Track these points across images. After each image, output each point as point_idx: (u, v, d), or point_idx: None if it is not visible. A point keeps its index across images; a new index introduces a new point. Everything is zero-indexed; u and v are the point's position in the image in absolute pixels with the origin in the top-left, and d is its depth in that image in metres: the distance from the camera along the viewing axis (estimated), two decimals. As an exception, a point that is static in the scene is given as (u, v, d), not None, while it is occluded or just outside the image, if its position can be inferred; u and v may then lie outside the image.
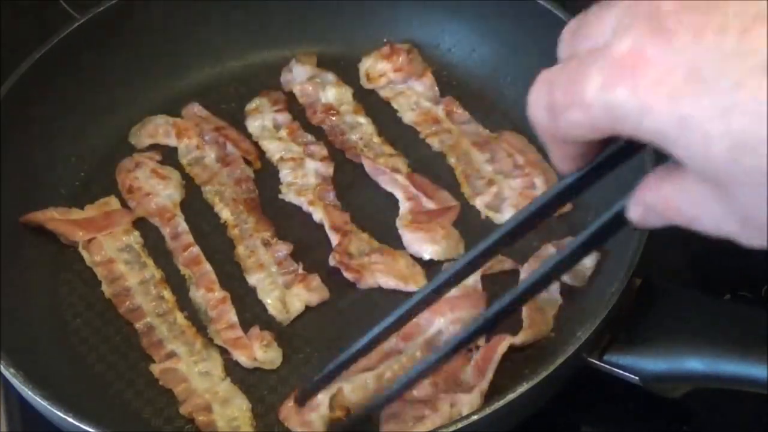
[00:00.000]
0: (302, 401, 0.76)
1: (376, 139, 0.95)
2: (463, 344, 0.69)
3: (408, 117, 0.98)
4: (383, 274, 0.85)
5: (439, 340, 0.79)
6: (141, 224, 0.91)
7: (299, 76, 1.00)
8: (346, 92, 0.99)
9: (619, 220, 0.56)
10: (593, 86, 0.48)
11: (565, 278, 0.83)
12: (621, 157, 0.56)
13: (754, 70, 0.43)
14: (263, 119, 0.98)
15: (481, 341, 0.79)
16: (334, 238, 0.88)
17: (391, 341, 0.78)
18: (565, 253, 0.62)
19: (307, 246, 0.88)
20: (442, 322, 0.80)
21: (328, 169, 0.93)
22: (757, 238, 0.48)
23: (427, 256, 0.86)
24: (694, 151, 0.45)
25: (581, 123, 0.50)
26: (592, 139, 0.51)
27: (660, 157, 0.49)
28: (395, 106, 0.99)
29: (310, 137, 0.96)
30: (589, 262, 0.83)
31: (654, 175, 0.52)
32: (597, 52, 0.48)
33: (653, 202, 0.52)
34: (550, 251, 0.84)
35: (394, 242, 0.88)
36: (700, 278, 0.89)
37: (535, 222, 0.62)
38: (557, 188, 0.60)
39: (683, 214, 0.51)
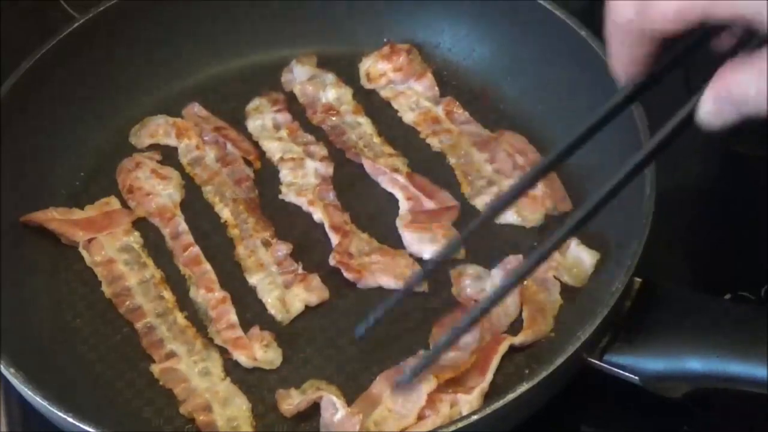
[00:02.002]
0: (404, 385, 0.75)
1: (376, 139, 0.95)
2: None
3: (408, 117, 0.98)
4: (383, 274, 0.85)
5: None
6: (141, 224, 0.91)
7: (299, 76, 1.00)
8: (346, 92, 0.99)
9: (686, 124, 0.59)
10: None
11: (566, 278, 0.83)
12: (675, 64, 0.59)
13: None
14: (263, 119, 0.98)
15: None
16: (334, 238, 0.88)
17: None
18: (632, 163, 0.64)
19: (307, 246, 0.88)
20: None
21: (328, 169, 0.93)
22: None
23: (427, 256, 0.86)
24: None
25: (672, 12, 0.53)
26: (676, 30, 0.54)
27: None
28: (395, 106, 0.99)
29: (310, 137, 0.96)
30: (588, 262, 0.83)
31: (725, 70, 0.54)
32: None
33: (728, 93, 0.54)
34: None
35: (394, 242, 0.88)
36: (700, 278, 0.89)
37: (591, 135, 0.65)
38: (617, 98, 0.63)
39: (758, 100, 0.53)
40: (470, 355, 0.78)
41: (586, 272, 0.83)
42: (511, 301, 0.82)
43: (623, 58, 0.59)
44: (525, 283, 0.83)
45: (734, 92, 0.55)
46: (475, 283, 0.84)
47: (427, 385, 0.76)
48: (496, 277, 0.84)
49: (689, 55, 0.59)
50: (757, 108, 0.54)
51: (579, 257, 0.83)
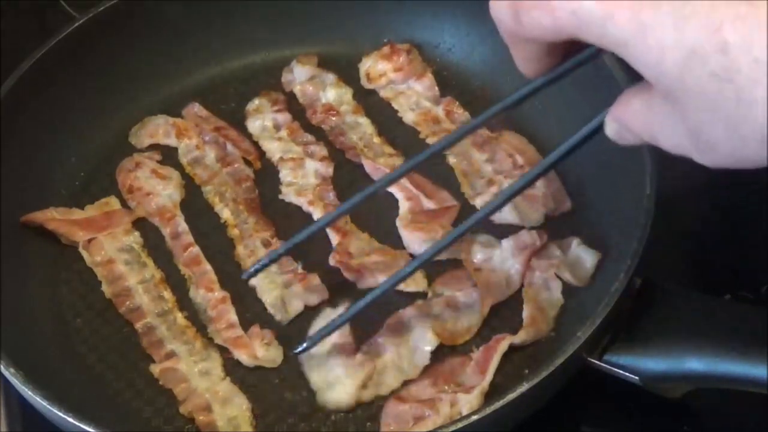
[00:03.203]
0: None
1: (376, 139, 0.95)
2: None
3: (408, 117, 0.98)
4: (383, 274, 0.85)
5: None
6: (141, 224, 0.91)
7: (300, 76, 1.00)
8: (346, 92, 0.99)
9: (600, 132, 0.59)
10: None
11: (566, 277, 0.83)
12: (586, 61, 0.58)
13: None
14: (263, 119, 0.98)
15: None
16: (334, 238, 0.88)
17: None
18: (546, 163, 0.68)
19: (307, 246, 0.88)
20: None
21: (328, 169, 0.93)
22: (707, 156, 0.50)
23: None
24: (650, 60, 0.47)
25: (545, 25, 0.51)
26: (554, 41, 0.53)
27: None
28: (395, 106, 0.99)
29: (310, 137, 0.96)
30: (589, 261, 0.83)
31: (626, 93, 0.55)
32: None
33: (624, 119, 0.55)
34: (552, 250, 0.84)
35: (394, 242, 0.88)
36: (700, 278, 0.89)
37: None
38: (525, 90, 0.63)
39: (648, 131, 0.53)
40: (471, 322, 0.81)
41: (587, 271, 0.83)
42: (514, 270, 0.83)
43: (519, 56, 0.58)
44: (528, 281, 0.83)
45: (627, 120, 0.54)
46: (485, 251, 0.84)
47: (430, 344, 0.78)
48: (506, 248, 0.84)
49: None
50: (649, 139, 0.53)
51: (580, 257, 0.84)
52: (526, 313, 0.81)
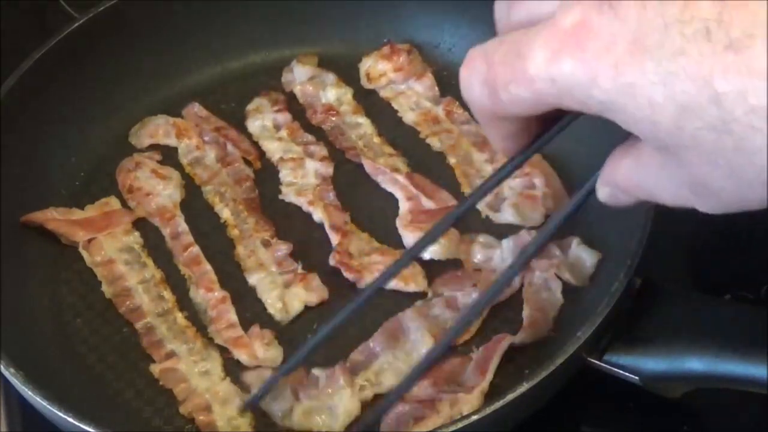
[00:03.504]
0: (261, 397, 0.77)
1: (376, 139, 0.95)
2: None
3: (408, 117, 0.98)
4: (383, 274, 0.85)
5: None
6: (141, 224, 0.91)
7: (300, 76, 1.00)
8: (347, 92, 0.99)
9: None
10: (538, 59, 0.48)
11: (566, 277, 0.83)
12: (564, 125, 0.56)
13: (695, 36, 0.43)
14: (263, 119, 0.98)
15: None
16: (334, 238, 0.88)
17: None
18: (545, 232, 0.67)
19: (307, 246, 0.88)
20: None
21: (328, 169, 0.93)
22: (710, 203, 0.49)
23: (427, 256, 0.86)
24: (642, 119, 0.46)
25: (525, 98, 0.50)
26: (534, 114, 0.51)
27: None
28: (395, 106, 0.99)
29: (310, 137, 0.96)
30: (589, 261, 0.83)
31: (614, 155, 0.53)
32: (540, 24, 0.48)
33: (616, 181, 0.53)
34: (552, 250, 0.84)
35: (394, 242, 0.88)
36: (700, 278, 0.89)
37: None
38: (507, 170, 0.61)
39: (643, 189, 0.52)
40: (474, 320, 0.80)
41: (587, 271, 0.83)
42: None
43: (496, 136, 0.56)
44: (528, 281, 0.83)
45: (619, 182, 0.53)
46: (485, 251, 0.84)
47: (426, 346, 0.78)
48: (506, 248, 0.84)
49: None
50: (645, 196, 0.52)
51: (580, 257, 0.83)
52: (526, 313, 0.81)
